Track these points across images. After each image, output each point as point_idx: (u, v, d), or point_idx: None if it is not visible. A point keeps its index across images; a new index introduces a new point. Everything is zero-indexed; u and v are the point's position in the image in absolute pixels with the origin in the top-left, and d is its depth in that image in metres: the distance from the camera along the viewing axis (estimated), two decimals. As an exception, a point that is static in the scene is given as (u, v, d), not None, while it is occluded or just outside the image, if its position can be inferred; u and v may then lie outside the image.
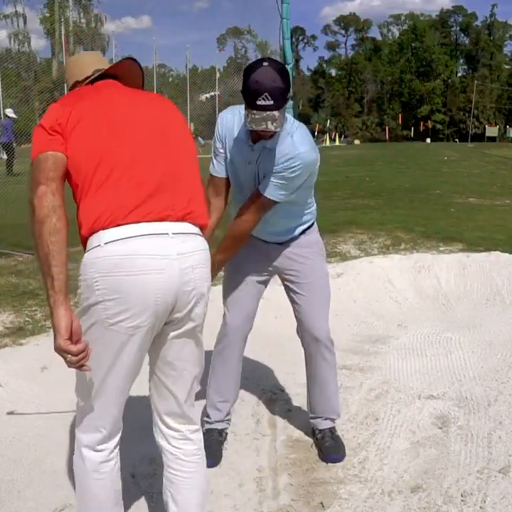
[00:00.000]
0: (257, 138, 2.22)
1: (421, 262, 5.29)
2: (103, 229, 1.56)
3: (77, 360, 1.55)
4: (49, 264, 1.52)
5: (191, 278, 1.63)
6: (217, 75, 26.26)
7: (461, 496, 2.24)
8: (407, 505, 2.21)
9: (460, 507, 2.18)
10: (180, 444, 1.81)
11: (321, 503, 2.23)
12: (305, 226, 2.50)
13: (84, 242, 1.62)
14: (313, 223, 2.55)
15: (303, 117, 71.75)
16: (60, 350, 1.54)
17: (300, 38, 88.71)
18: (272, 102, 2.04)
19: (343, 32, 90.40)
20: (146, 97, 1.83)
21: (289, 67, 4.92)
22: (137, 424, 2.78)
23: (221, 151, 2.34)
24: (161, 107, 1.82)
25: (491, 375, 3.31)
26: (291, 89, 2.15)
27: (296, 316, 2.56)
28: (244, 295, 2.56)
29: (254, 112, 2.05)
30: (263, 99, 2.03)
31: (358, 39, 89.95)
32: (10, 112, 15.31)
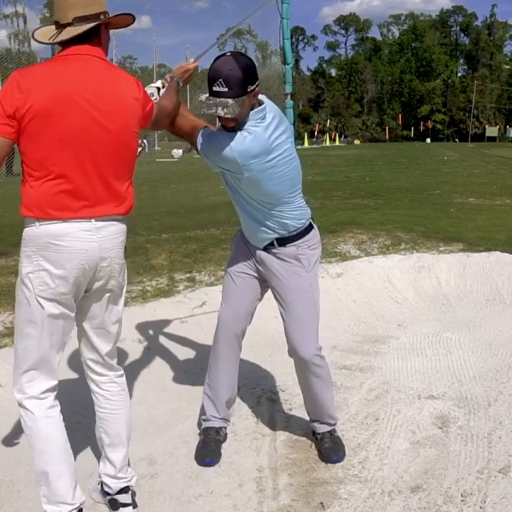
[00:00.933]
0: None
1: (421, 262, 5.28)
2: (41, 217, 1.86)
3: None
4: None
5: (108, 257, 1.97)
6: (218, 74, 26.16)
7: (461, 495, 2.24)
8: (407, 505, 2.21)
9: (460, 507, 2.18)
10: (107, 387, 2.16)
11: (321, 503, 2.23)
12: (275, 236, 2.42)
13: (22, 215, 1.91)
14: (291, 236, 2.43)
15: (303, 117, 71.83)
16: None
17: (300, 38, 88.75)
18: (226, 89, 2.10)
19: (343, 32, 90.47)
20: (111, 90, 1.91)
21: (288, 67, 4.92)
22: (137, 424, 2.79)
23: None
24: (121, 104, 1.92)
25: (491, 375, 3.31)
26: (256, 83, 2.17)
27: (285, 334, 2.53)
28: (237, 292, 2.56)
29: (210, 98, 2.14)
30: (218, 85, 2.11)
31: (358, 39, 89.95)
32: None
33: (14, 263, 5.21)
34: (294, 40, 70.41)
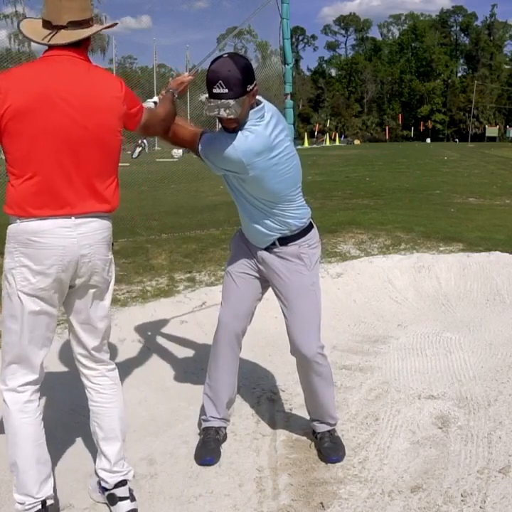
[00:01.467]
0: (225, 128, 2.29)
1: (421, 262, 5.28)
2: (21, 215, 1.91)
3: None
4: None
5: (88, 253, 1.99)
6: (218, 74, 26.08)
7: (461, 495, 2.24)
8: (407, 505, 2.21)
9: (460, 507, 2.18)
10: (98, 381, 2.19)
11: (321, 503, 2.23)
12: (278, 235, 2.43)
13: (5, 213, 1.96)
14: (293, 235, 2.45)
15: (303, 117, 71.81)
16: None
17: (300, 38, 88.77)
18: (226, 90, 2.11)
19: (343, 32, 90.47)
20: (89, 89, 1.93)
21: (288, 67, 4.93)
22: (137, 424, 2.79)
23: None
24: (99, 103, 1.94)
25: (491, 375, 3.31)
26: (254, 83, 2.19)
27: (287, 332, 2.53)
28: (237, 292, 2.56)
29: (211, 100, 2.14)
30: (218, 86, 2.12)
31: (358, 39, 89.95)
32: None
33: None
34: (294, 40, 70.45)
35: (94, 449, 2.50)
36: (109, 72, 2.10)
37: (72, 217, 1.94)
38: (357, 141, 62.53)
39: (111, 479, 2.17)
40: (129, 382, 3.22)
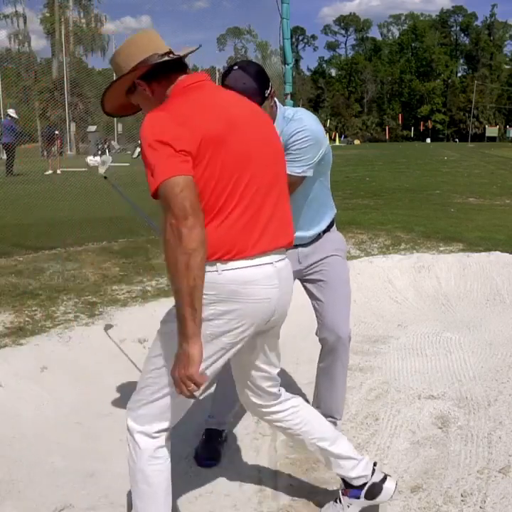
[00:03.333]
0: None
1: (421, 262, 5.29)
2: (223, 260, 1.65)
3: (195, 390, 1.62)
4: (193, 297, 1.55)
5: (286, 300, 1.81)
6: (217, 75, 26.15)
7: (461, 495, 2.24)
8: (407, 505, 2.21)
9: (460, 507, 2.18)
10: (288, 405, 2.16)
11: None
12: (324, 225, 2.52)
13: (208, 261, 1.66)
14: (333, 224, 2.57)
15: (303, 117, 71.57)
16: (188, 378, 1.59)
17: (300, 38, 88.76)
18: None
19: (343, 32, 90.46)
20: (253, 110, 1.83)
21: (288, 67, 4.93)
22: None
23: None
24: (268, 124, 1.87)
25: (491, 375, 3.31)
26: (270, 86, 2.19)
27: (318, 316, 2.54)
28: None
29: None
30: None
31: (358, 39, 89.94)
32: (12, 112, 15.23)
33: (14, 263, 5.21)
34: (294, 40, 70.45)
35: (94, 449, 2.50)
36: None
37: (273, 262, 1.72)
38: (357, 141, 62.54)
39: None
40: (129, 382, 3.21)
